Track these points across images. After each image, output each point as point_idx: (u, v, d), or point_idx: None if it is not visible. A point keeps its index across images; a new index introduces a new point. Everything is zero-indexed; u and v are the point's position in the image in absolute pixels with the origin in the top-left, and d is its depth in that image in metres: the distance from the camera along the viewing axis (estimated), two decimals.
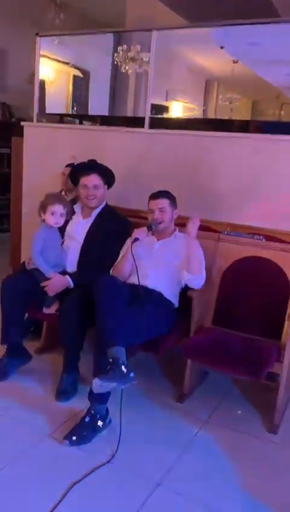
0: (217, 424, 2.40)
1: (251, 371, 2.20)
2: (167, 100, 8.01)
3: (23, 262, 3.01)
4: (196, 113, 8.31)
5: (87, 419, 2.20)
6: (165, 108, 7.29)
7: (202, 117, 8.24)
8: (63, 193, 3.38)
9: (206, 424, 2.40)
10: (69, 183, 3.34)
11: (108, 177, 2.83)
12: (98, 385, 2.04)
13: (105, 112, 7.29)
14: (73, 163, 3.36)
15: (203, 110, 9.11)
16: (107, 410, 2.26)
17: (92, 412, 2.21)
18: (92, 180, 2.75)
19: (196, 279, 2.52)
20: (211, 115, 9.35)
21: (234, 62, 7.72)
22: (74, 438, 2.13)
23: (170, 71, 7.61)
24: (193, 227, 2.50)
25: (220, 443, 2.25)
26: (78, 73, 6.92)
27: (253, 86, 8.50)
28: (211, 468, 2.09)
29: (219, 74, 8.93)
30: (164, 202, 2.59)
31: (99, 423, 2.21)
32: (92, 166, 2.81)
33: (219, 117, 9.09)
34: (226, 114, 8.94)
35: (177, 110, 8.25)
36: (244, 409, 2.57)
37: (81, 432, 2.16)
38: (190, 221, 2.52)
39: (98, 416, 2.21)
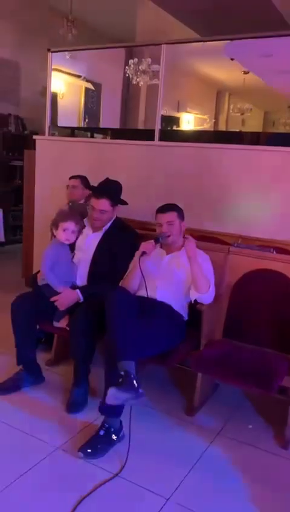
0: (228, 438, 2.38)
1: (262, 384, 2.18)
2: (178, 111, 8.07)
3: (35, 274, 3.05)
4: (206, 125, 8.34)
5: (101, 432, 2.21)
6: (176, 120, 7.34)
7: (212, 129, 8.27)
8: (69, 204, 3.42)
9: (217, 437, 2.38)
10: (72, 194, 3.39)
11: (118, 198, 2.83)
12: (113, 396, 2.04)
13: (116, 124, 7.37)
14: (79, 175, 3.41)
15: (214, 122, 9.15)
16: (121, 424, 2.27)
17: (106, 425, 2.22)
18: (101, 205, 2.75)
19: (204, 297, 2.51)
20: (222, 126, 9.39)
21: (245, 73, 7.76)
22: (89, 450, 2.14)
23: (181, 82, 7.67)
24: (188, 246, 2.48)
25: (231, 458, 2.23)
26: (90, 86, 7.01)
27: (265, 96, 8.53)
28: (221, 483, 2.07)
29: (230, 85, 8.97)
30: (172, 215, 2.59)
31: (114, 437, 2.22)
32: (103, 191, 2.80)
33: (230, 128, 9.13)
34: (238, 125, 8.97)
35: (188, 121, 8.29)
36: (256, 423, 2.55)
37: (96, 444, 2.17)
38: (185, 241, 2.52)
39: (112, 429, 2.22)
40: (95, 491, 1.93)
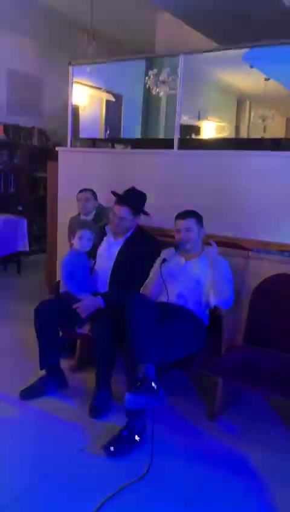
0: (249, 444, 2.38)
1: (283, 391, 2.18)
2: (199, 119, 8.12)
3: (58, 281, 3.13)
4: (225, 133, 8.36)
5: (125, 432, 2.25)
6: (197, 128, 7.38)
7: (231, 137, 8.28)
8: (81, 216, 3.54)
9: (238, 443, 2.38)
10: (85, 207, 3.48)
11: (140, 208, 2.89)
12: (129, 400, 2.08)
13: (138, 134, 7.47)
14: (89, 188, 3.54)
15: (235, 129, 9.16)
16: (144, 425, 2.30)
17: (130, 426, 2.26)
18: (122, 212, 2.82)
19: (223, 303, 2.53)
20: (243, 133, 9.40)
21: (266, 80, 7.77)
22: (112, 448, 2.19)
23: (201, 91, 7.74)
24: (210, 249, 2.54)
25: (252, 463, 2.23)
26: (110, 97, 7.14)
27: (286, 102, 8.50)
28: (242, 487, 2.07)
29: (251, 92, 8.99)
30: (191, 222, 2.63)
31: (137, 438, 2.25)
32: (125, 199, 2.87)
33: (251, 135, 9.12)
34: (259, 132, 8.96)
35: (209, 129, 8.33)
36: (278, 429, 2.54)
37: (119, 443, 2.21)
38: (207, 248, 2.56)
39: (135, 431, 2.25)
40: (118, 492, 1.96)
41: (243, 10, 5.16)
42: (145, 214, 2.91)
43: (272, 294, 2.67)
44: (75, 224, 3.13)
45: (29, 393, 2.69)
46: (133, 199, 2.87)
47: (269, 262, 2.72)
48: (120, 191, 2.94)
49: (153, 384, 2.08)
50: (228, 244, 2.94)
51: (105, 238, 2.94)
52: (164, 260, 2.56)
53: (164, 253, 2.62)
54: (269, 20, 5.23)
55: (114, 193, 2.92)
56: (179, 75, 3.58)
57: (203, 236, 2.73)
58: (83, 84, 6.37)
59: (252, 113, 9.14)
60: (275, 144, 4.56)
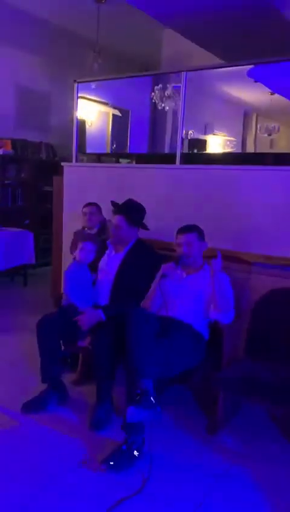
0: (251, 458, 2.37)
1: (284, 404, 2.18)
2: (205, 134, 8.19)
3: (60, 294, 3.16)
4: (231, 147, 8.40)
5: (124, 447, 2.25)
6: (203, 142, 7.44)
7: (236, 151, 8.33)
8: (86, 230, 3.59)
9: (239, 457, 2.37)
10: (90, 220, 3.53)
11: (135, 218, 2.92)
12: (131, 414, 2.09)
13: (144, 149, 7.54)
14: (94, 203, 3.61)
15: (242, 143, 9.20)
16: (143, 440, 2.30)
17: (129, 441, 2.26)
18: (116, 220, 2.88)
19: (224, 317, 2.54)
20: (250, 147, 9.44)
21: (271, 94, 7.83)
22: (111, 463, 2.19)
23: (207, 105, 7.81)
24: (215, 262, 2.55)
25: (253, 478, 2.22)
26: (117, 112, 7.23)
27: None
28: (242, 501, 2.06)
29: (257, 106, 9.05)
30: (192, 236, 2.66)
31: (136, 453, 2.25)
32: (121, 209, 2.93)
33: (258, 149, 9.16)
34: (266, 146, 9.00)
35: (216, 143, 8.39)
36: (280, 442, 2.52)
37: (118, 458, 2.21)
38: (212, 260, 2.58)
39: (134, 446, 2.26)
40: (116, 506, 1.96)
41: (245, 27, 5.23)
42: (144, 227, 2.94)
43: (273, 308, 2.68)
44: (79, 237, 3.17)
45: (30, 407, 2.70)
46: (128, 208, 2.92)
47: (270, 276, 2.74)
48: None
49: (152, 399, 2.09)
50: (228, 257, 2.96)
51: (106, 252, 2.97)
52: (163, 276, 2.58)
53: (164, 268, 2.64)
54: (271, 35, 5.30)
55: (113, 203, 2.96)
56: (181, 92, 3.64)
57: (205, 249, 2.75)
58: (90, 100, 6.47)
59: (259, 127, 9.19)
60: (277, 159, 4.59)
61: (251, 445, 2.49)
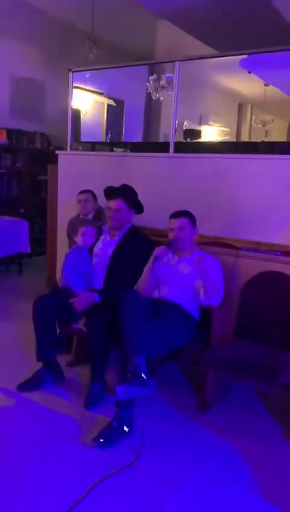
0: (238, 433, 2.48)
1: (268, 381, 2.28)
2: (200, 124, 8.25)
3: (56, 279, 3.25)
4: (221, 136, 8.46)
5: (114, 423, 2.35)
6: (198, 133, 7.49)
7: (228, 141, 8.39)
8: (81, 217, 3.67)
9: (227, 433, 2.48)
10: (85, 207, 3.61)
11: (134, 203, 3.01)
12: (120, 391, 2.19)
13: (139, 138, 7.59)
14: (89, 190, 3.62)
15: (237, 134, 9.26)
16: (133, 417, 2.40)
17: (119, 417, 2.36)
18: (116, 204, 2.95)
19: (213, 301, 2.64)
20: (245, 138, 9.50)
21: (266, 85, 7.89)
22: (102, 440, 2.28)
23: (203, 96, 7.86)
24: (202, 263, 2.60)
25: (240, 451, 2.33)
26: (112, 102, 7.27)
27: (288, 106, 8.60)
28: (229, 474, 2.16)
29: (252, 97, 9.11)
30: (183, 221, 2.75)
31: (125, 428, 2.35)
32: (119, 192, 3.01)
33: (253, 139, 9.23)
34: (261, 136, 9.06)
35: (210, 133, 8.45)
36: (266, 420, 2.63)
37: (108, 435, 2.31)
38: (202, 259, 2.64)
39: (124, 421, 2.35)
40: (107, 478, 2.06)
41: (237, 17, 5.28)
42: (140, 209, 3.03)
43: (260, 290, 2.78)
44: (76, 224, 3.24)
45: (26, 386, 2.79)
46: (126, 191, 3.01)
47: (257, 260, 2.83)
48: None
49: (143, 375, 2.19)
50: (218, 243, 3.05)
51: (101, 238, 3.06)
52: (156, 258, 2.67)
53: (156, 251, 2.74)
54: (263, 26, 5.35)
55: (109, 188, 3.03)
56: (175, 81, 3.70)
57: (196, 235, 2.84)
58: (85, 90, 6.51)
59: (253, 118, 9.25)
60: (270, 148, 4.67)
61: (238, 422, 2.60)
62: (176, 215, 2.79)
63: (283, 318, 2.69)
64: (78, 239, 2.93)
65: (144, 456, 2.23)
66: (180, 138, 6.43)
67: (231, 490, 2.05)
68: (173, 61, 3.78)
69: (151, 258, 2.78)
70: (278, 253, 2.82)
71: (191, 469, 2.17)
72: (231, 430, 2.52)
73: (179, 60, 3.73)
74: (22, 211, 6.31)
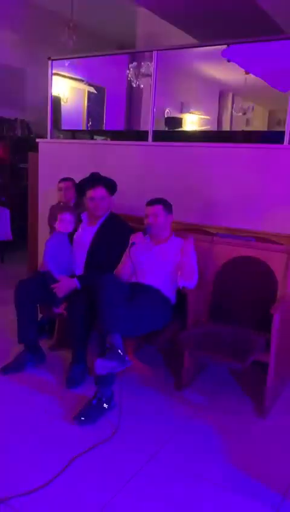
0: (212, 409, 2.63)
1: (237, 358, 2.41)
2: (181, 112, 8.29)
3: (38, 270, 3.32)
4: (207, 126, 8.54)
5: (94, 401, 2.47)
6: (179, 120, 7.56)
7: (206, 129, 8.47)
8: (61, 205, 3.73)
9: (201, 409, 2.62)
10: (66, 195, 3.68)
11: (111, 187, 3.10)
12: (99, 366, 2.30)
13: (120, 126, 7.62)
14: (70, 178, 3.68)
15: (217, 122, 9.35)
16: (112, 394, 2.52)
17: (98, 395, 2.47)
18: (99, 192, 3.03)
19: (188, 284, 2.76)
20: (226, 126, 9.59)
21: (246, 73, 7.96)
22: (82, 418, 2.40)
23: (184, 84, 7.89)
24: (187, 243, 2.75)
25: (213, 425, 2.47)
26: (92, 89, 7.27)
27: (268, 95, 8.69)
28: (202, 445, 2.30)
29: (233, 85, 9.17)
30: (158, 208, 2.84)
31: (105, 405, 2.47)
32: (97, 180, 3.09)
33: (234, 128, 9.32)
34: (242, 125, 9.15)
35: (192, 121, 8.51)
36: (239, 397, 2.78)
37: (88, 412, 2.42)
38: (185, 240, 2.77)
39: (103, 399, 2.47)
40: (87, 451, 2.18)
41: (216, 8, 5.33)
42: (114, 191, 3.14)
43: (234, 275, 2.91)
44: (57, 210, 3.31)
45: (8, 369, 2.89)
46: (103, 178, 3.09)
47: (231, 246, 2.95)
48: None
49: (119, 351, 2.31)
50: (194, 229, 3.16)
51: (80, 225, 3.14)
52: (132, 244, 2.78)
53: (133, 237, 2.84)
54: (242, 16, 5.42)
55: (79, 184, 3.11)
56: (152, 71, 3.76)
57: (171, 222, 2.94)
58: (65, 77, 6.50)
59: (234, 106, 9.33)
60: (246, 137, 4.78)
61: (212, 399, 2.74)
62: (151, 202, 2.89)
63: (254, 300, 2.82)
64: (57, 225, 3.02)
65: (122, 431, 2.35)
66: (161, 126, 6.50)
67: (204, 461, 2.19)
68: (151, 51, 3.84)
69: (129, 244, 2.88)
70: (251, 239, 2.94)
71: (166, 440, 2.30)
72: (206, 406, 2.66)
73: (157, 50, 3.79)
74: (3, 199, 6.32)
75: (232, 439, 2.36)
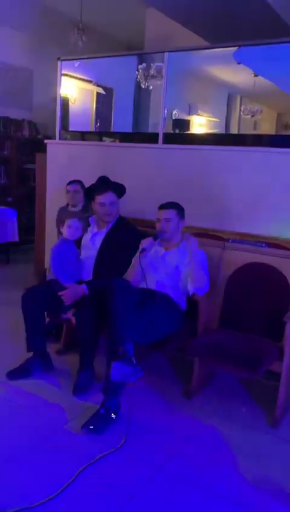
0: (222, 419, 2.56)
1: (249, 368, 2.35)
2: (189, 114, 8.24)
3: (45, 269, 3.27)
4: (215, 128, 8.48)
5: (102, 411, 2.41)
6: (187, 123, 7.49)
7: (218, 132, 8.41)
8: (69, 207, 3.69)
9: (211, 418, 2.56)
10: (74, 198, 3.64)
11: (120, 191, 3.05)
12: (116, 369, 2.26)
13: (128, 128, 7.57)
14: (78, 180, 3.63)
15: (226, 124, 9.29)
16: (120, 404, 2.46)
17: (106, 404, 2.42)
18: (109, 198, 2.97)
19: (199, 290, 2.70)
20: (234, 129, 9.53)
21: (255, 76, 7.90)
22: (91, 427, 2.34)
23: (192, 86, 7.84)
24: (191, 242, 2.71)
25: (223, 436, 2.40)
26: (101, 90, 7.23)
27: (277, 97, 8.63)
28: (211, 457, 2.24)
29: (241, 87, 9.10)
30: (171, 213, 2.79)
31: (113, 415, 2.41)
32: (106, 185, 3.03)
33: (242, 130, 9.26)
34: (250, 127, 9.09)
35: (200, 123, 8.46)
36: (249, 406, 2.72)
37: (96, 422, 2.37)
38: (189, 239, 2.74)
39: (111, 409, 2.41)
40: (94, 462, 2.12)
41: (226, 8, 5.27)
42: (122, 195, 3.09)
43: (245, 281, 2.84)
44: (64, 214, 3.27)
45: (15, 374, 2.84)
46: (112, 183, 3.04)
47: (243, 252, 2.89)
48: None
49: (132, 359, 2.26)
50: (205, 234, 3.10)
51: (89, 229, 3.09)
52: (143, 250, 2.72)
53: (143, 243, 2.78)
54: (252, 17, 5.36)
55: (88, 189, 3.07)
56: (164, 72, 3.71)
57: (183, 227, 2.88)
58: (74, 78, 6.46)
59: (242, 108, 9.27)
60: (257, 140, 4.72)
61: (222, 408, 2.67)
62: (165, 206, 2.83)
63: (266, 308, 2.76)
64: (64, 230, 2.96)
65: (130, 442, 2.29)
66: (169, 128, 6.45)
67: (214, 474, 2.12)
68: (162, 52, 3.79)
69: (139, 250, 2.82)
70: (264, 245, 2.88)
71: (176, 453, 2.24)
72: (215, 415, 2.60)
73: (168, 51, 3.74)
74: (10, 199, 6.29)
75: (243, 451, 2.30)
